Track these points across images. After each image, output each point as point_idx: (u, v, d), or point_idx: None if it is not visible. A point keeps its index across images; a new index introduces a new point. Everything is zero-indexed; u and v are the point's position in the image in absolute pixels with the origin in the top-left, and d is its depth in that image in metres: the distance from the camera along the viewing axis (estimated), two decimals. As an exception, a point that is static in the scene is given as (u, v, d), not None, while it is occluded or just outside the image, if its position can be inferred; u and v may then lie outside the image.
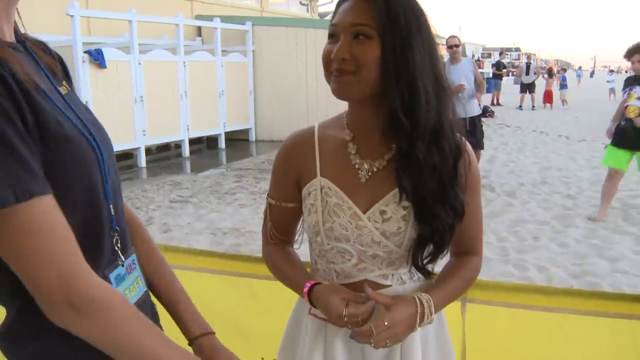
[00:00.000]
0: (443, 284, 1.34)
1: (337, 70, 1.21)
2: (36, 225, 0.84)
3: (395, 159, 1.27)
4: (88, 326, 0.88)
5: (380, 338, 1.20)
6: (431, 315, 1.26)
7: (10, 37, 0.98)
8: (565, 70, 27.22)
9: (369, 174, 1.30)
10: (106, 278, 1.01)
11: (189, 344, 1.18)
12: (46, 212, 0.85)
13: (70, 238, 0.88)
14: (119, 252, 1.06)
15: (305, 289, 1.32)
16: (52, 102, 0.95)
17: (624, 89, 6.07)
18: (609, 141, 6.11)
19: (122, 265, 1.06)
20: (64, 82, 1.10)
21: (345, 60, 1.19)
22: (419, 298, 1.25)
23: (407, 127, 1.21)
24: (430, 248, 1.30)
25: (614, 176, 6.07)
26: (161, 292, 1.23)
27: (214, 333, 1.21)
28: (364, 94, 1.23)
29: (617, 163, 6.00)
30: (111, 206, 1.03)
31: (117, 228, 1.06)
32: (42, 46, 1.12)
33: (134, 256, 1.12)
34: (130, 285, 1.08)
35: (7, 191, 0.80)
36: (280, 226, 1.44)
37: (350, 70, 1.20)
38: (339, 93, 1.24)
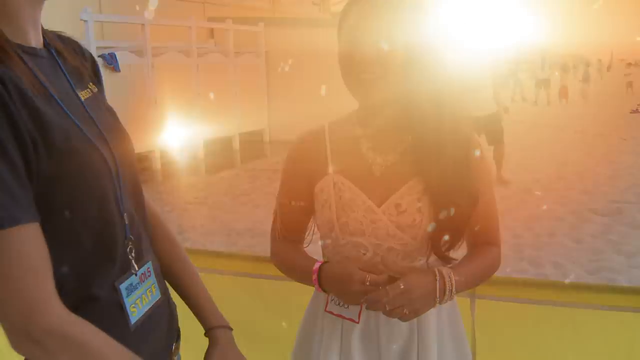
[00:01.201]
0: (463, 265, 1.34)
1: (362, 74, 1.22)
2: (5, 256, 0.81)
3: (409, 151, 1.30)
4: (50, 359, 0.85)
5: (395, 301, 1.18)
6: (453, 290, 1.24)
7: (36, 42, 0.97)
8: (588, 65, 26.99)
9: (383, 168, 1.31)
10: (116, 290, 0.99)
11: (206, 334, 1.20)
12: (20, 242, 0.82)
13: (39, 269, 0.84)
14: (133, 261, 1.04)
15: (315, 267, 1.31)
16: (64, 111, 0.93)
17: None
18: (626, 135, 5.97)
19: (136, 275, 1.04)
20: (90, 85, 1.09)
21: (371, 65, 1.20)
22: (438, 269, 1.25)
23: (435, 122, 1.24)
24: (446, 237, 1.30)
25: None
26: (183, 286, 1.24)
27: (231, 329, 1.22)
28: (389, 96, 1.25)
29: None
30: (125, 215, 1.01)
31: (131, 237, 1.03)
32: (74, 46, 1.12)
33: (149, 264, 1.09)
34: (142, 295, 1.06)
35: None
36: (290, 226, 1.45)
37: (377, 75, 1.21)
38: (365, 97, 1.26)
